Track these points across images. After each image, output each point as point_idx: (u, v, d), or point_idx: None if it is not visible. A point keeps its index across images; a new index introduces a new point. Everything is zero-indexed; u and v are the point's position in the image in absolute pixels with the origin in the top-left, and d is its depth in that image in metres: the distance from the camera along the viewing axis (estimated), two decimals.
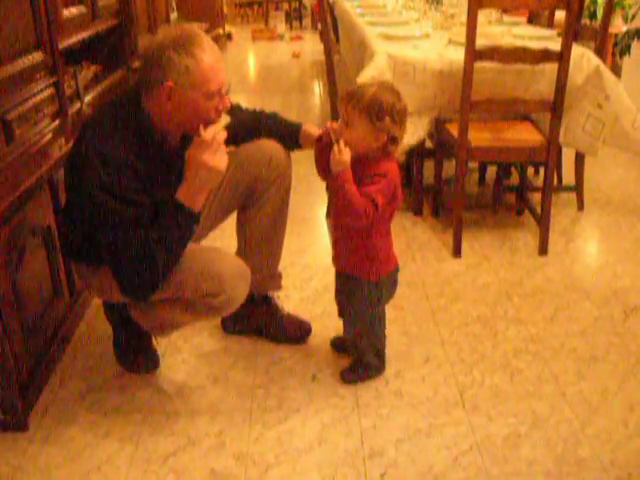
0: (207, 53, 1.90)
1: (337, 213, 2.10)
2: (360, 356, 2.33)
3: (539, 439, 2.09)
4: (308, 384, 2.34)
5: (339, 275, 2.26)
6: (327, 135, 2.06)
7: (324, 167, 2.12)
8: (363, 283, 2.18)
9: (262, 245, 2.47)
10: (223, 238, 2.73)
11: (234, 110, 2.24)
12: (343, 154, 1.96)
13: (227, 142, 2.00)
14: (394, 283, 2.27)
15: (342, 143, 1.97)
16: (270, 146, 2.38)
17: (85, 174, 1.90)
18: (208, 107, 1.94)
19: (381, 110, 1.95)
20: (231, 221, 2.53)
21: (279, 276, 2.59)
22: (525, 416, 2.19)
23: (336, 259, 2.24)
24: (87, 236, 2.02)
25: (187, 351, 2.52)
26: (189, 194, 1.94)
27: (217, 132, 1.93)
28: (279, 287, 2.60)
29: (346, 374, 2.35)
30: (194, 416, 2.20)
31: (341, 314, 2.33)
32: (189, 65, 1.87)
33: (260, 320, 2.56)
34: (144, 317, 2.23)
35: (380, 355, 2.36)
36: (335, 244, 2.22)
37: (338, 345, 2.49)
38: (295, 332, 2.56)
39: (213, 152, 1.91)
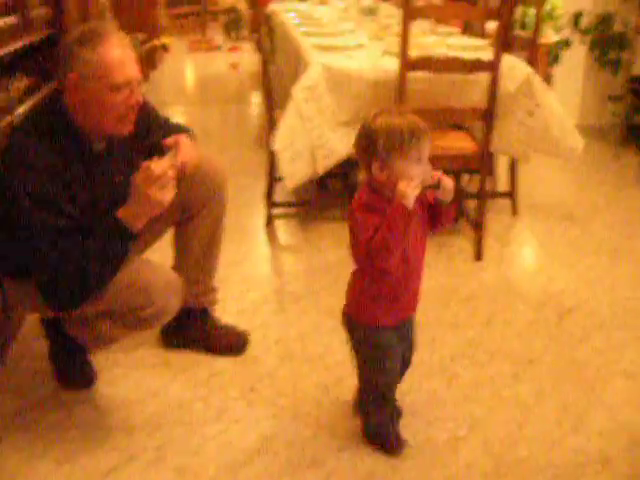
0: (112, 46, 1.92)
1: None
2: None
3: (477, 442, 2.12)
4: (247, 395, 2.33)
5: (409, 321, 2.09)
6: (427, 189, 1.81)
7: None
8: None
9: (198, 260, 2.46)
10: (160, 252, 2.70)
11: (150, 112, 2.28)
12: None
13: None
14: None
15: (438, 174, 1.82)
16: (206, 162, 2.37)
17: (12, 183, 1.89)
18: (115, 101, 1.94)
19: None
20: (168, 235, 2.52)
21: (215, 290, 2.58)
22: (463, 420, 2.22)
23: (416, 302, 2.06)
24: (17, 250, 1.99)
25: (126, 365, 2.49)
26: (130, 216, 1.94)
27: (168, 167, 1.93)
28: (215, 301, 2.60)
29: None
30: (133, 431, 2.17)
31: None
32: (92, 57, 1.90)
33: (198, 333, 2.54)
34: (78, 331, 2.20)
35: None
36: (417, 290, 2.03)
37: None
38: (234, 343, 2.55)
39: (160, 186, 1.91)
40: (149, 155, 2.00)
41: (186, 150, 2.10)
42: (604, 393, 2.37)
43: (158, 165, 1.91)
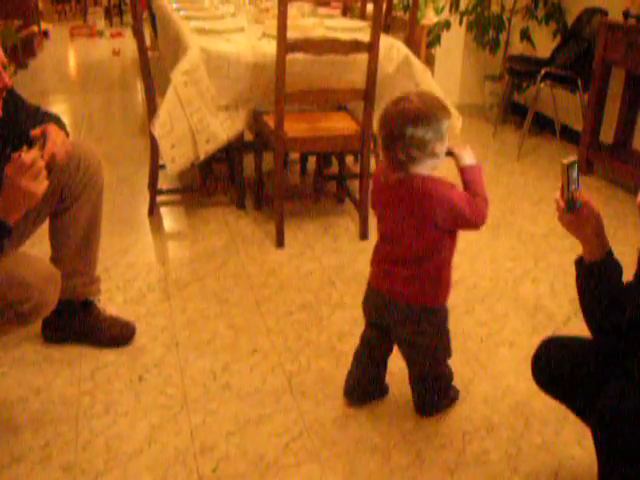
0: None
1: None
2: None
3: (366, 418, 2.16)
4: (135, 386, 2.29)
5: None
6: None
7: None
8: None
9: (78, 251, 2.39)
10: (39, 245, 2.61)
11: (17, 100, 2.19)
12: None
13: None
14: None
15: None
16: (80, 150, 2.31)
17: None
18: None
19: None
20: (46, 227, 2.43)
21: (97, 281, 2.52)
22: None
23: None
24: None
25: (7, 364, 2.40)
26: (4, 209, 1.86)
27: (38, 157, 1.86)
28: (98, 292, 2.54)
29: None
30: (17, 431, 2.10)
31: None
32: None
33: (82, 325, 2.48)
34: None
35: None
36: None
37: None
38: (119, 334, 2.50)
39: (32, 177, 1.84)
40: (19, 145, 1.93)
41: (55, 139, 2.04)
42: (488, 362, 2.45)
43: (28, 155, 1.84)
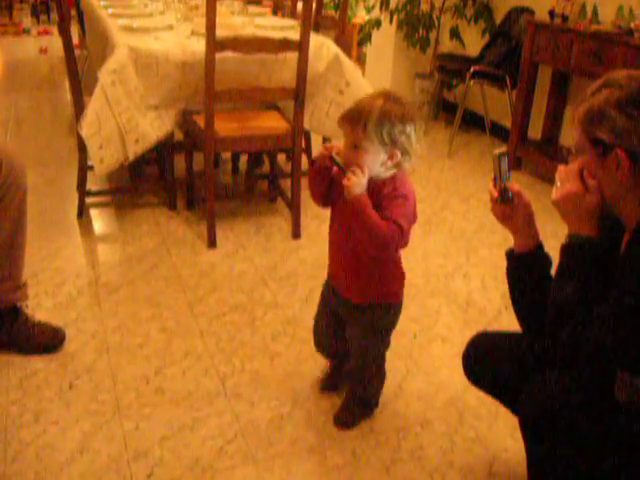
0: None
1: (359, 242, 1.87)
2: (361, 392, 2.17)
3: (301, 417, 2.16)
4: (65, 393, 2.24)
5: (353, 307, 2.05)
6: (328, 159, 1.84)
7: (323, 193, 1.98)
8: (390, 306, 2.06)
9: (2, 257, 2.32)
10: None
11: None
12: (359, 176, 1.75)
13: None
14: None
15: (355, 167, 1.77)
16: (1, 151, 2.24)
17: None
18: None
19: (392, 126, 1.76)
20: None
21: (25, 286, 2.45)
22: (286, 397, 2.25)
23: (348, 291, 2.05)
24: None
25: None
26: None
27: None
28: (25, 298, 2.47)
29: (342, 417, 2.18)
30: None
31: (336, 349, 2.22)
32: None
33: (9, 332, 2.41)
34: None
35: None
36: (345, 274, 2.04)
37: (330, 386, 2.31)
38: (48, 340, 2.44)
39: None
40: None
41: None
42: (421, 358, 2.47)
43: None
